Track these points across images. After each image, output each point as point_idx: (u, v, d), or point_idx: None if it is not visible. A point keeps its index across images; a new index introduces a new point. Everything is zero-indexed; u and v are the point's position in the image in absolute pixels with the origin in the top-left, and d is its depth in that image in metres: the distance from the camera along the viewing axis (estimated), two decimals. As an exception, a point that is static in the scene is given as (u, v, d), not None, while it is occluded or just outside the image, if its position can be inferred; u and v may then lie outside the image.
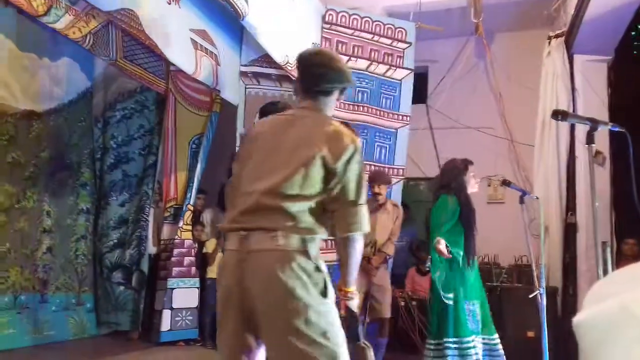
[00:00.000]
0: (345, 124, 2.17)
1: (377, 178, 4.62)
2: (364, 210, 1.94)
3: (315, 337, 1.76)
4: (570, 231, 5.12)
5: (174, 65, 4.96)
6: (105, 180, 5.95)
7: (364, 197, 1.95)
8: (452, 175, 3.88)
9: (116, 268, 5.78)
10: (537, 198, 3.94)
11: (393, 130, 5.62)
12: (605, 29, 4.96)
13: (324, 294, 1.81)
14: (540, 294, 3.40)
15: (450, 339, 3.48)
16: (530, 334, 4.22)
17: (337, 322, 1.83)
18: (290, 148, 1.97)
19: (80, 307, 5.60)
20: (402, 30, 5.70)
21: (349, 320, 2.04)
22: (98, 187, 5.94)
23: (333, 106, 2.16)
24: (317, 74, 2.09)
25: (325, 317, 1.79)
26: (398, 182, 5.61)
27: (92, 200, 5.87)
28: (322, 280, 1.82)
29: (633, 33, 5.42)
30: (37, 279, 5.17)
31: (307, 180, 1.90)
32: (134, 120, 6.05)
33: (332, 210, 1.93)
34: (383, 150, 5.59)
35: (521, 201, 3.58)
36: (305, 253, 1.82)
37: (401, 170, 5.64)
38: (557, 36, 5.57)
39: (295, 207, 1.87)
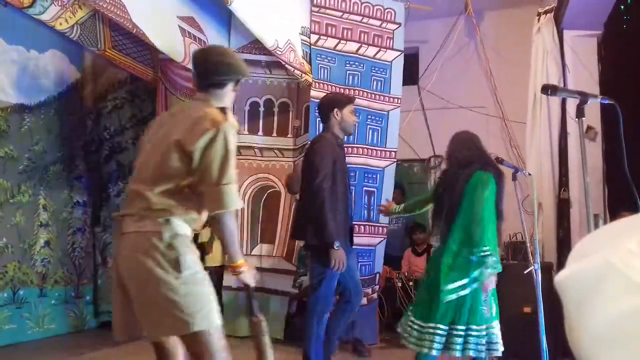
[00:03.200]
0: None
1: None
2: (228, 189, 2.09)
3: (170, 309, 1.99)
4: (563, 207, 5.16)
5: (162, 53, 4.93)
6: (103, 172, 5.94)
7: (228, 177, 2.09)
8: (476, 145, 3.46)
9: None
10: (530, 174, 3.97)
11: (384, 112, 5.62)
12: (595, 3, 4.96)
13: (177, 269, 2.01)
14: (535, 270, 3.44)
15: (463, 327, 3.22)
16: (527, 309, 4.26)
17: (195, 293, 2.03)
18: (160, 139, 2.19)
19: (80, 300, 5.62)
20: (391, 10, 5.67)
21: (245, 294, 2.32)
22: (97, 179, 5.93)
23: (228, 97, 2.35)
24: (208, 68, 2.30)
25: (177, 290, 1.99)
26: (391, 164, 5.62)
27: (88, 192, 5.86)
28: (174, 257, 2.01)
29: (622, 7, 5.41)
30: (35, 273, 5.18)
31: (165, 166, 2.11)
32: (125, 110, 6.02)
33: (200, 193, 2.11)
34: (375, 133, 5.59)
35: (514, 178, 3.60)
36: (158, 233, 2.03)
37: (394, 153, 5.65)
38: (546, 12, 5.56)
39: (153, 191, 2.08)
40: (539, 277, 3.40)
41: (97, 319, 5.74)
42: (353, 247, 3.98)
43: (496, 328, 3.30)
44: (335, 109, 3.76)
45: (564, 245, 5.02)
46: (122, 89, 6.04)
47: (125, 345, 4.95)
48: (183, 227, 2.10)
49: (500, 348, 3.29)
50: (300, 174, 4.04)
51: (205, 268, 5.95)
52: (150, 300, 2.04)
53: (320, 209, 3.49)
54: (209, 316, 2.05)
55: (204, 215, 2.23)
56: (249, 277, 2.27)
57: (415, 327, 3.35)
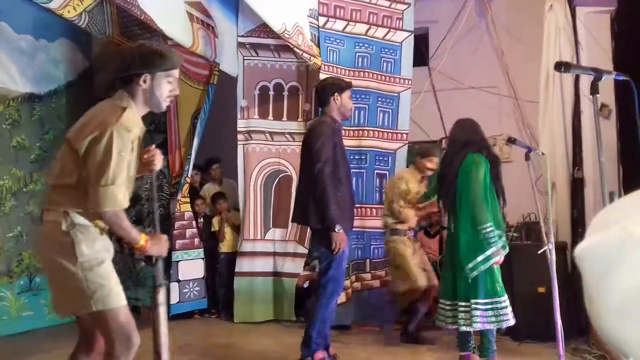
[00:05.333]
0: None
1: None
2: (104, 191, 2.17)
3: (73, 286, 2.19)
4: (577, 186, 5.11)
5: (171, 39, 4.92)
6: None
7: (107, 179, 2.17)
8: (475, 131, 3.71)
9: (137, 245, 5.85)
10: (543, 154, 3.92)
11: (395, 94, 5.59)
12: (608, -22, 4.86)
13: (72, 254, 2.18)
14: (550, 250, 3.42)
15: (481, 300, 3.48)
16: (541, 289, 4.25)
17: (94, 273, 2.20)
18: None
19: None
20: (401, -9, 5.61)
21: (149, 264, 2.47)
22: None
23: (139, 91, 2.36)
24: (113, 67, 2.41)
25: (74, 272, 2.18)
26: (402, 146, 5.59)
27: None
28: (69, 244, 2.19)
29: (636, -19, 5.30)
30: (50, 261, 5.23)
31: (61, 164, 2.28)
32: (135, 97, 6.03)
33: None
34: (386, 115, 5.56)
35: (527, 158, 3.57)
36: (57, 224, 2.20)
37: (405, 135, 5.63)
38: (558, -11, 5.46)
39: (55, 188, 2.28)
40: (553, 256, 3.38)
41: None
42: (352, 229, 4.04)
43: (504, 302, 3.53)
44: (336, 94, 3.79)
45: (578, 225, 4.97)
46: (132, 75, 6.03)
47: (146, 328, 5.02)
48: (80, 217, 2.24)
49: (510, 319, 3.52)
50: None
51: (222, 254, 6.05)
52: (55, 282, 2.32)
53: (322, 193, 3.55)
54: (103, 298, 2.21)
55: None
56: (154, 249, 2.39)
57: (447, 307, 3.60)
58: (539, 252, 3.44)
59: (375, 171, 5.52)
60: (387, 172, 5.54)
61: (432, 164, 4.57)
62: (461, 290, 3.54)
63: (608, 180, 2.32)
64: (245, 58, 5.60)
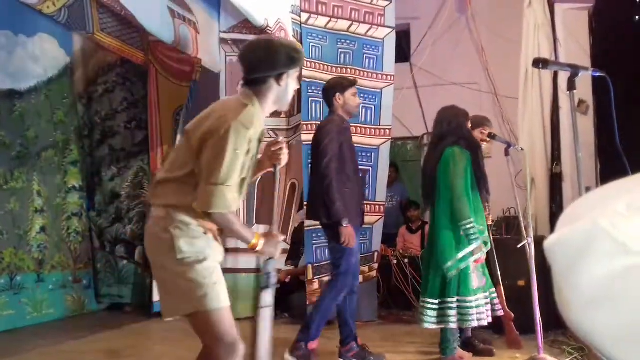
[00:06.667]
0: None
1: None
2: (216, 190, 2.03)
3: (172, 285, 2.11)
4: (556, 181, 5.20)
5: (152, 35, 4.89)
6: (95, 157, 5.92)
7: (218, 177, 2.03)
8: (457, 123, 3.63)
9: (118, 242, 5.82)
10: (522, 149, 3.99)
11: (377, 90, 5.61)
12: (585, -25, 4.94)
13: (171, 251, 2.07)
14: (529, 244, 3.48)
15: (454, 298, 3.45)
16: (521, 282, 4.31)
17: (193, 271, 2.07)
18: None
19: (78, 284, 5.64)
20: (382, -13, 5.63)
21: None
22: (90, 164, 5.92)
23: (271, 92, 2.24)
24: (246, 65, 2.26)
25: (175, 268, 2.08)
26: (386, 142, 5.63)
27: (83, 177, 5.85)
28: (169, 240, 2.07)
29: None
30: (32, 259, 5.19)
31: (174, 157, 2.24)
32: (116, 93, 5.98)
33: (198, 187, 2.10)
34: (368, 111, 5.58)
35: (506, 153, 3.63)
36: (159, 220, 2.13)
37: (387, 131, 5.65)
38: (537, -14, 5.53)
39: (162, 182, 2.19)
40: (532, 250, 3.44)
41: (99, 303, 5.78)
42: (362, 227, 4.10)
43: (481, 300, 3.49)
44: (337, 94, 3.87)
45: (556, 219, 5.04)
46: (113, 72, 5.98)
47: (128, 326, 5.02)
48: (184, 214, 2.11)
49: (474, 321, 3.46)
50: None
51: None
52: (158, 282, 2.30)
53: (328, 189, 3.63)
54: (204, 299, 2.06)
55: None
56: (266, 249, 2.25)
57: (428, 305, 3.53)
58: (518, 247, 3.51)
59: (359, 167, 5.54)
60: (370, 168, 5.57)
61: (483, 135, 4.00)
62: (436, 288, 3.51)
63: (585, 176, 2.38)
64: (227, 54, 5.59)
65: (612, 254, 0.61)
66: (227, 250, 5.49)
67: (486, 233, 3.61)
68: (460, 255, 3.42)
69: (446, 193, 3.47)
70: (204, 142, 2.07)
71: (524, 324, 3.90)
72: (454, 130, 3.59)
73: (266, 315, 2.29)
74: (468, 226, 3.38)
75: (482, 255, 3.49)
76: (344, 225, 3.60)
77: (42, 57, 5.44)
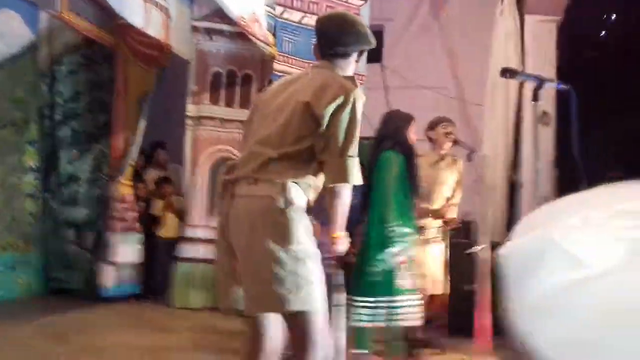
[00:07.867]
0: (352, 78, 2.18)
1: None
2: (351, 163, 1.99)
3: (272, 283, 1.89)
4: (514, 188, 5.31)
5: (122, 18, 4.78)
6: (55, 138, 5.76)
7: (353, 149, 1.99)
8: (395, 127, 3.66)
9: (70, 226, 5.67)
10: (485, 156, 4.05)
11: (348, 89, 5.63)
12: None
13: (287, 241, 1.90)
14: (484, 249, 3.55)
15: (382, 297, 3.46)
16: (473, 287, 4.38)
17: (300, 271, 1.92)
18: (283, 103, 2.06)
19: (29, 266, 5.48)
20: (357, -14, 5.64)
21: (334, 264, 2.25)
22: (49, 145, 5.75)
23: (350, 68, 2.22)
24: (332, 37, 2.17)
25: (284, 264, 1.89)
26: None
27: (41, 158, 5.68)
28: (285, 226, 1.89)
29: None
30: (-18, 239, 5.03)
31: (290, 128, 1.99)
32: (80, 75, 5.80)
33: (321, 161, 2.00)
34: (337, 109, 5.60)
35: (469, 159, 3.69)
36: (272, 199, 1.90)
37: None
38: (510, -5, 5.63)
39: (273, 154, 1.96)
40: (487, 255, 3.51)
41: (49, 286, 5.64)
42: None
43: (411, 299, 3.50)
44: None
45: (512, 227, 5.17)
46: (78, 52, 5.81)
47: (79, 309, 4.90)
48: (299, 194, 1.96)
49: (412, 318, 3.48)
50: None
51: (159, 238, 6.00)
52: (253, 270, 1.95)
53: None
54: (309, 297, 1.94)
55: (320, 183, 2.08)
56: (342, 245, 2.17)
57: (358, 304, 3.50)
58: (466, 252, 3.56)
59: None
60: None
61: (445, 130, 4.08)
62: (365, 287, 3.51)
63: (543, 185, 2.43)
64: (198, 42, 5.53)
65: (562, 267, 0.63)
66: (185, 240, 5.47)
67: (416, 236, 3.62)
68: (384, 256, 3.44)
69: (376, 197, 3.52)
70: (335, 114, 1.96)
71: (475, 328, 3.97)
72: (392, 134, 3.62)
73: (341, 314, 2.29)
74: (391, 229, 3.44)
75: (406, 257, 3.49)
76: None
77: (5, 33, 5.26)
